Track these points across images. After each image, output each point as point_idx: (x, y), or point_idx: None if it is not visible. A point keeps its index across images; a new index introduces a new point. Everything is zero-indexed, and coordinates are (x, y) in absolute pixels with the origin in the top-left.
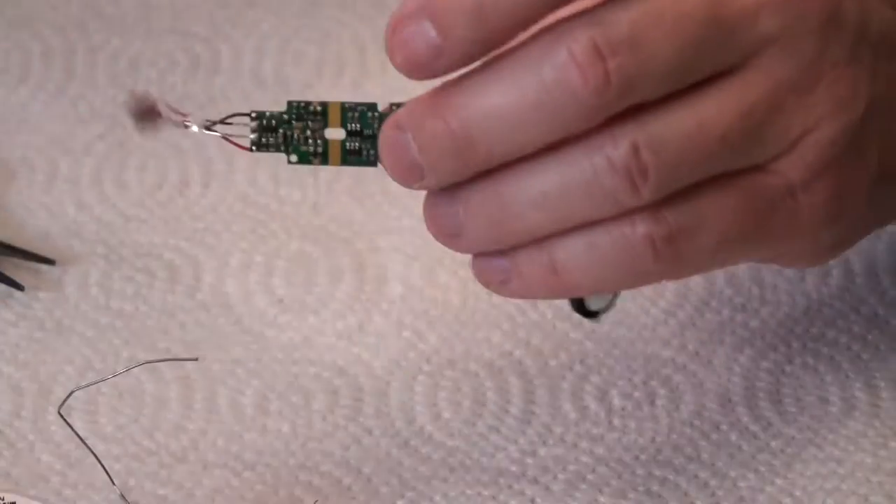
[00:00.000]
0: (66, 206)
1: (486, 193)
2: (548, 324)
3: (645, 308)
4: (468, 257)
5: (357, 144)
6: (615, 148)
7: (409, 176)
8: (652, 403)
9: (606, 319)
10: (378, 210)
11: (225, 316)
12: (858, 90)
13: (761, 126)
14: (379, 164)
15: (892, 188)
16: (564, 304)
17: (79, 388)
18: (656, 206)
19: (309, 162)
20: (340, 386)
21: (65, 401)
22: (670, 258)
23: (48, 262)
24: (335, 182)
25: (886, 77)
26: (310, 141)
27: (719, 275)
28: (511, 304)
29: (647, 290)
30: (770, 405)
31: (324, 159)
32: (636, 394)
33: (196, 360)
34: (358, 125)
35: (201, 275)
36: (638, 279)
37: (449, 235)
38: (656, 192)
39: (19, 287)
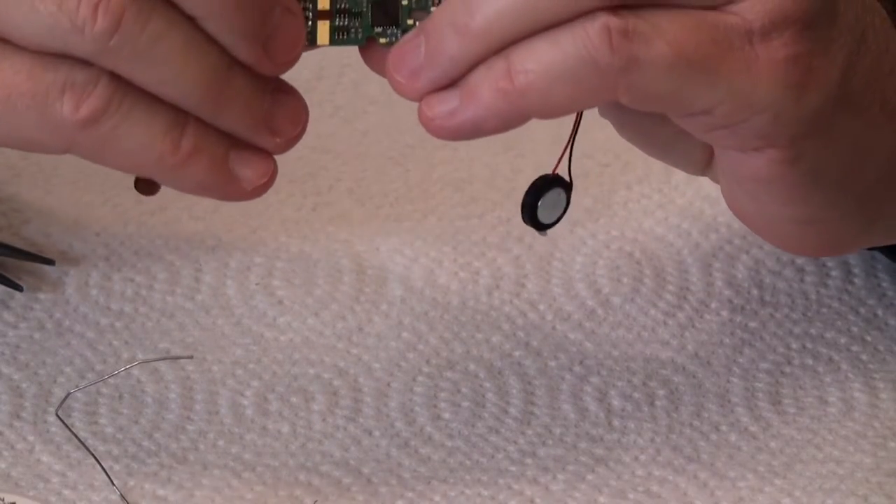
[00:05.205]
0: (66, 206)
1: (451, 4)
2: (547, 325)
3: (644, 309)
4: (467, 259)
5: (346, 22)
6: None
7: None
8: (651, 404)
9: (605, 318)
10: (378, 211)
11: (225, 317)
12: None
13: None
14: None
15: (854, 120)
16: (564, 306)
17: (77, 390)
18: (617, 7)
19: None
20: (340, 387)
21: (62, 402)
22: (626, 55)
23: (48, 262)
24: (335, 182)
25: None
26: None
27: (718, 276)
28: (511, 306)
29: (647, 291)
30: (769, 406)
31: (312, 39)
32: (635, 395)
33: (191, 357)
34: (346, 3)
35: (201, 276)
36: (593, 82)
37: (411, 72)
38: None
39: (19, 288)
